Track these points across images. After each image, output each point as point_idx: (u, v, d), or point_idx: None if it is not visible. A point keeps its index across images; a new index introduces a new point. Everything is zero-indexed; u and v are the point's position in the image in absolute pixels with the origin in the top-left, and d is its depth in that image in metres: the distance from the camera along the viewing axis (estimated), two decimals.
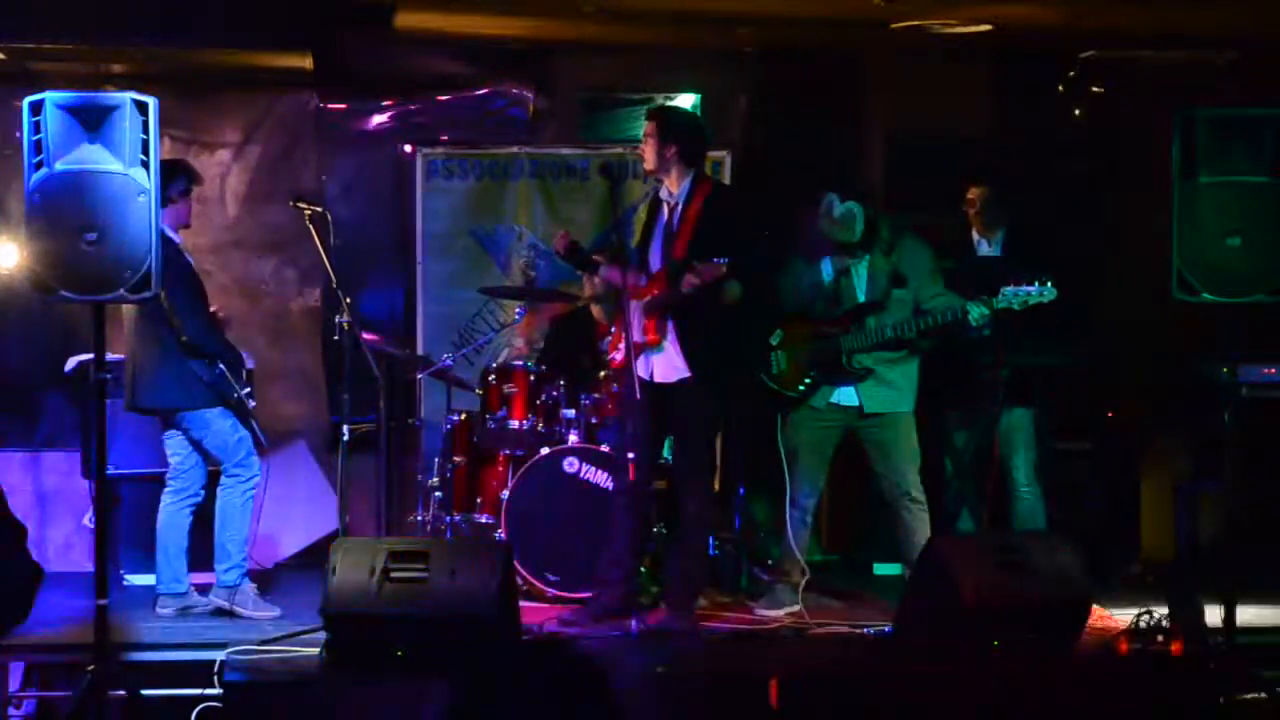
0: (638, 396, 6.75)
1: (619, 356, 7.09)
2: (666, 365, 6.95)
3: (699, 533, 7.14)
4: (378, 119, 9.17)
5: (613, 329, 7.25)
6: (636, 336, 6.86)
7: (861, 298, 7.23)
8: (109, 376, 6.21)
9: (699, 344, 6.91)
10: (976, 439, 7.79)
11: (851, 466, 7.57)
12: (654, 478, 7.26)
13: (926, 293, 7.16)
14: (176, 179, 7.13)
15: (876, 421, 7.23)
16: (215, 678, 6.13)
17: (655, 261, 7.02)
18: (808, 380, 7.26)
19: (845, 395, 7.24)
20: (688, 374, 6.92)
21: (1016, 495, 7.74)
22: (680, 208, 6.96)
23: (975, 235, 7.83)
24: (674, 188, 6.98)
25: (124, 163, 5.89)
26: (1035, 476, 7.73)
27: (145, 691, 6.09)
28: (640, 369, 6.89)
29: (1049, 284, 6.84)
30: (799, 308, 7.35)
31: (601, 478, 7.47)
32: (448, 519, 7.83)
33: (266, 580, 7.93)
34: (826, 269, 7.29)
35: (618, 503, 7.03)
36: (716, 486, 8.15)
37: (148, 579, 7.53)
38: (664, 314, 6.92)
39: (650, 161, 6.98)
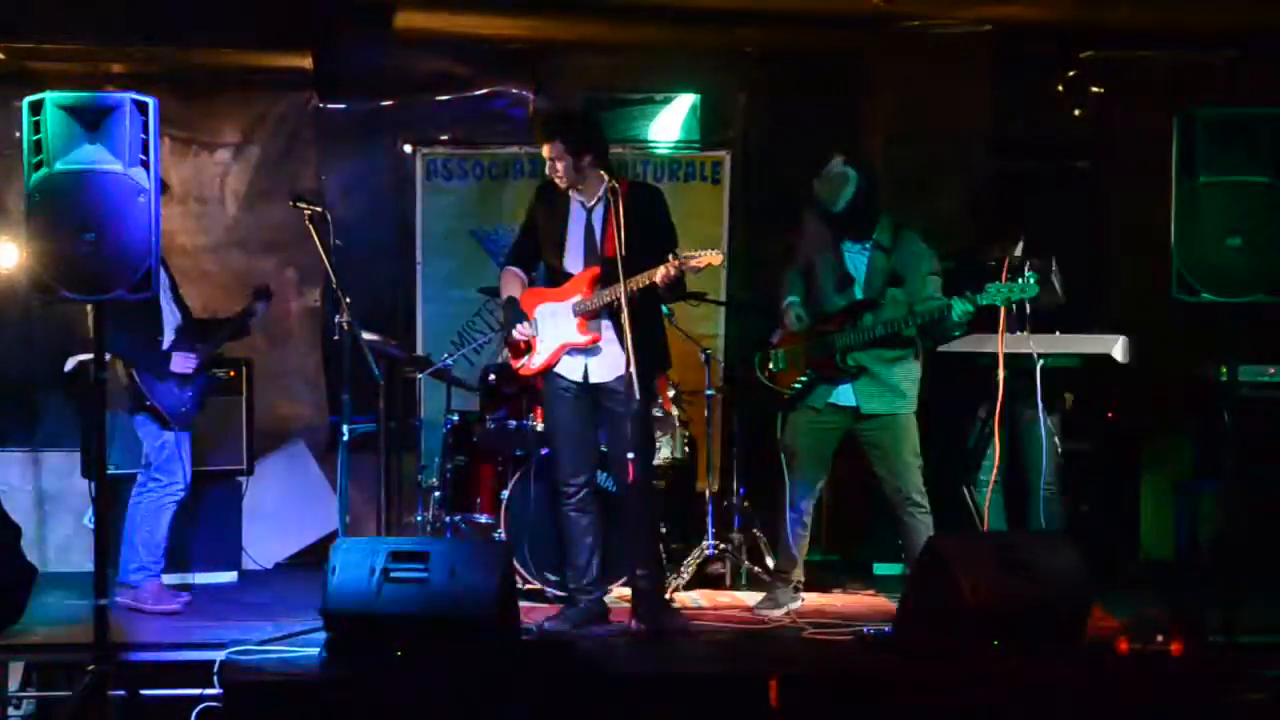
0: (637, 396, 6.71)
1: (535, 362, 6.97)
2: (603, 364, 6.88)
3: (655, 536, 7.12)
4: (378, 119, 9.17)
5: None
6: (576, 338, 6.81)
7: (859, 295, 7.22)
8: (109, 376, 6.21)
9: (642, 340, 6.83)
10: (976, 439, 7.81)
11: (852, 466, 7.56)
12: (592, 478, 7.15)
13: (921, 294, 7.13)
14: None
15: (875, 424, 7.20)
16: (215, 678, 6.13)
17: (574, 263, 6.92)
18: (803, 379, 7.24)
19: (843, 396, 7.21)
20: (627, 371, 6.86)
21: (1034, 492, 7.75)
22: (601, 207, 6.87)
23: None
24: (591, 189, 6.87)
25: (124, 163, 5.89)
26: (1056, 475, 7.73)
27: (145, 691, 6.09)
28: (570, 370, 6.88)
29: (1031, 280, 6.83)
30: (802, 305, 7.31)
31: (600, 478, 7.45)
32: (448, 519, 7.84)
33: (267, 580, 7.94)
34: (828, 266, 7.26)
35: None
36: (716, 487, 8.15)
37: None
38: (596, 313, 6.85)
39: (568, 179, 6.84)
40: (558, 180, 6.87)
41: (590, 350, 6.91)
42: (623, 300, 6.65)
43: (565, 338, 6.90)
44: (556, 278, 6.98)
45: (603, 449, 7.13)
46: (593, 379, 6.92)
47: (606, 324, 6.88)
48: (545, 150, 6.87)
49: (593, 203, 6.90)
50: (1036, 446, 7.70)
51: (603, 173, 6.82)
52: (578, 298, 6.87)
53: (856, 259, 7.22)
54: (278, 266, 8.96)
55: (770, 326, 7.44)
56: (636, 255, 6.68)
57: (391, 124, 9.20)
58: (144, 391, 7.20)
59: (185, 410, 7.33)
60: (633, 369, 6.61)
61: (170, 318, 7.38)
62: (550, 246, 6.99)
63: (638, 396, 6.63)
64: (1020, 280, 6.88)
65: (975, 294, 6.90)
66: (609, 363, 6.89)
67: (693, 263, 6.65)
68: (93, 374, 6.14)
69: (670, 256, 6.63)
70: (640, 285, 6.68)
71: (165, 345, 7.33)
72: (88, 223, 5.88)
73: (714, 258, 6.68)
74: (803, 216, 7.41)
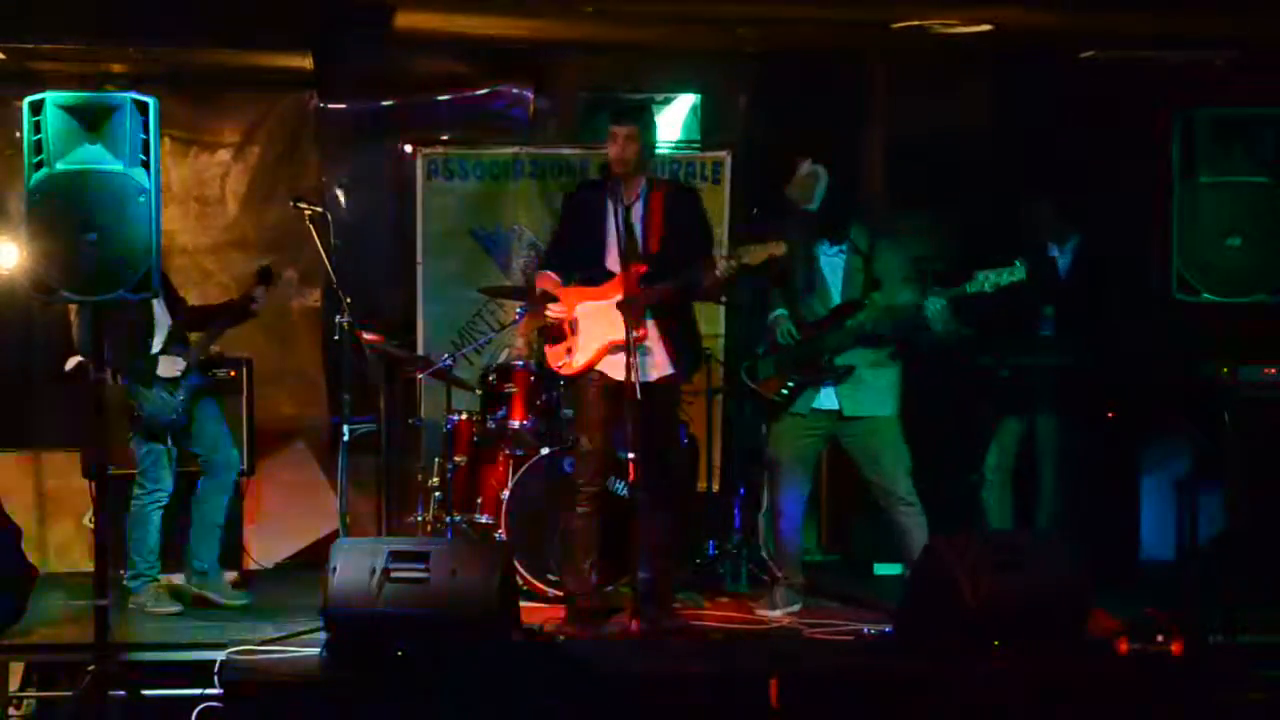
0: (637, 397, 6.69)
1: (578, 361, 6.95)
2: (648, 364, 6.84)
3: (673, 537, 7.09)
4: (378, 119, 9.17)
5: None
6: (620, 336, 6.75)
7: (836, 298, 7.20)
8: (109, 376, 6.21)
9: (686, 340, 6.85)
10: (974, 440, 7.81)
11: (851, 467, 7.55)
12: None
13: (899, 298, 7.12)
14: None
15: (858, 427, 7.20)
16: (215, 678, 6.13)
17: (614, 262, 6.88)
18: (789, 385, 7.24)
19: (826, 400, 7.20)
20: (672, 370, 6.87)
21: (1042, 495, 7.76)
22: (641, 206, 6.89)
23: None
24: (631, 188, 6.88)
25: (124, 163, 5.89)
26: (1060, 482, 7.74)
27: (145, 691, 6.09)
28: (614, 369, 6.85)
29: (1018, 265, 6.80)
30: (789, 311, 7.30)
31: (613, 484, 7.39)
32: (448, 519, 7.84)
33: (267, 580, 7.94)
34: (803, 271, 7.24)
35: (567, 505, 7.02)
36: (716, 487, 8.14)
37: None
38: (641, 311, 6.80)
39: (629, 164, 6.82)
40: (618, 164, 6.82)
41: (636, 349, 6.83)
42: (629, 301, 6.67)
43: (611, 336, 6.84)
44: (596, 277, 6.94)
45: (629, 455, 6.87)
46: (633, 378, 6.82)
47: (651, 323, 6.85)
48: (625, 130, 6.82)
49: (630, 201, 6.88)
50: (1045, 451, 7.72)
51: (645, 171, 6.91)
52: (621, 295, 6.81)
53: (833, 262, 7.21)
54: (278, 266, 8.94)
55: (764, 328, 7.43)
56: (675, 255, 6.72)
57: (391, 124, 9.19)
58: (131, 402, 7.18)
59: (175, 418, 7.27)
60: (635, 361, 6.63)
61: (163, 319, 7.35)
62: (589, 247, 6.95)
63: (638, 396, 6.64)
64: (1008, 268, 6.82)
65: (955, 286, 6.87)
66: (652, 363, 6.86)
67: (747, 259, 6.65)
68: (92, 374, 6.14)
69: (723, 253, 6.66)
70: (689, 282, 6.72)
71: (156, 349, 7.30)
72: (88, 223, 5.87)
73: (775, 248, 6.67)
74: (778, 227, 7.39)
